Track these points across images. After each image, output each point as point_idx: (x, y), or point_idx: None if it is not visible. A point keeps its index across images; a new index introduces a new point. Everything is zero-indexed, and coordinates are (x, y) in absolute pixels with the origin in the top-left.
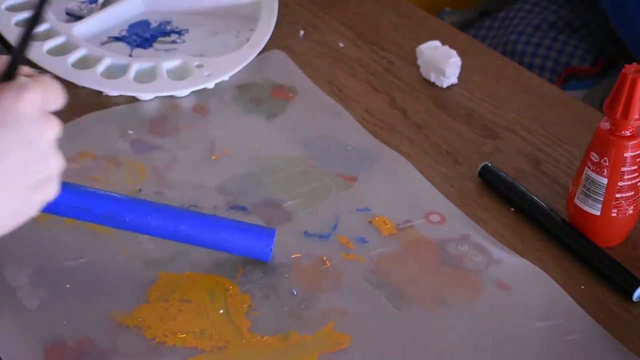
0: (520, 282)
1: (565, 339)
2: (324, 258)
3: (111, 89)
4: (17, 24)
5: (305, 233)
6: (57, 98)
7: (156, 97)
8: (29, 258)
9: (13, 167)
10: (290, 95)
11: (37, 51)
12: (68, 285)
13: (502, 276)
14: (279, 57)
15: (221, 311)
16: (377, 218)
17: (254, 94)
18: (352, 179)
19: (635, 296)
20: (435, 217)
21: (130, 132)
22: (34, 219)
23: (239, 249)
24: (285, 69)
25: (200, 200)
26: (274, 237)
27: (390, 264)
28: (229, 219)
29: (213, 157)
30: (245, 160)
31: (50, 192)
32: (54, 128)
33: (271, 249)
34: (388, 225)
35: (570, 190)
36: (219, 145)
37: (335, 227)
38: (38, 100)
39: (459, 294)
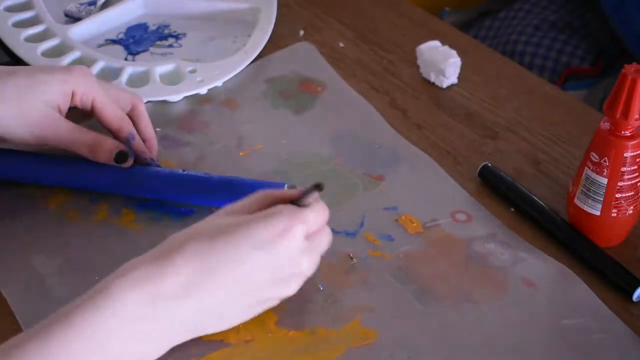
0: (546, 279)
1: (591, 338)
2: (351, 255)
3: None
4: (14, 24)
5: (332, 230)
6: (320, 219)
7: (149, 101)
8: (59, 250)
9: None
10: (319, 89)
11: (32, 53)
12: (97, 277)
13: (528, 274)
14: (308, 49)
15: None
16: (403, 216)
17: (283, 87)
18: (379, 178)
19: (635, 296)
20: (461, 216)
21: (158, 129)
22: (65, 215)
23: None
24: (314, 62)
25: None
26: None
27: (417, 261)
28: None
29: (241, 153)
30: (274, 156)
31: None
32: (312, 258)
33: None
34: (414, 224)
35: (570, 190)
36: (248, 141)
37: (362, 225)
38: (303, 231)
39: (485, 290)
